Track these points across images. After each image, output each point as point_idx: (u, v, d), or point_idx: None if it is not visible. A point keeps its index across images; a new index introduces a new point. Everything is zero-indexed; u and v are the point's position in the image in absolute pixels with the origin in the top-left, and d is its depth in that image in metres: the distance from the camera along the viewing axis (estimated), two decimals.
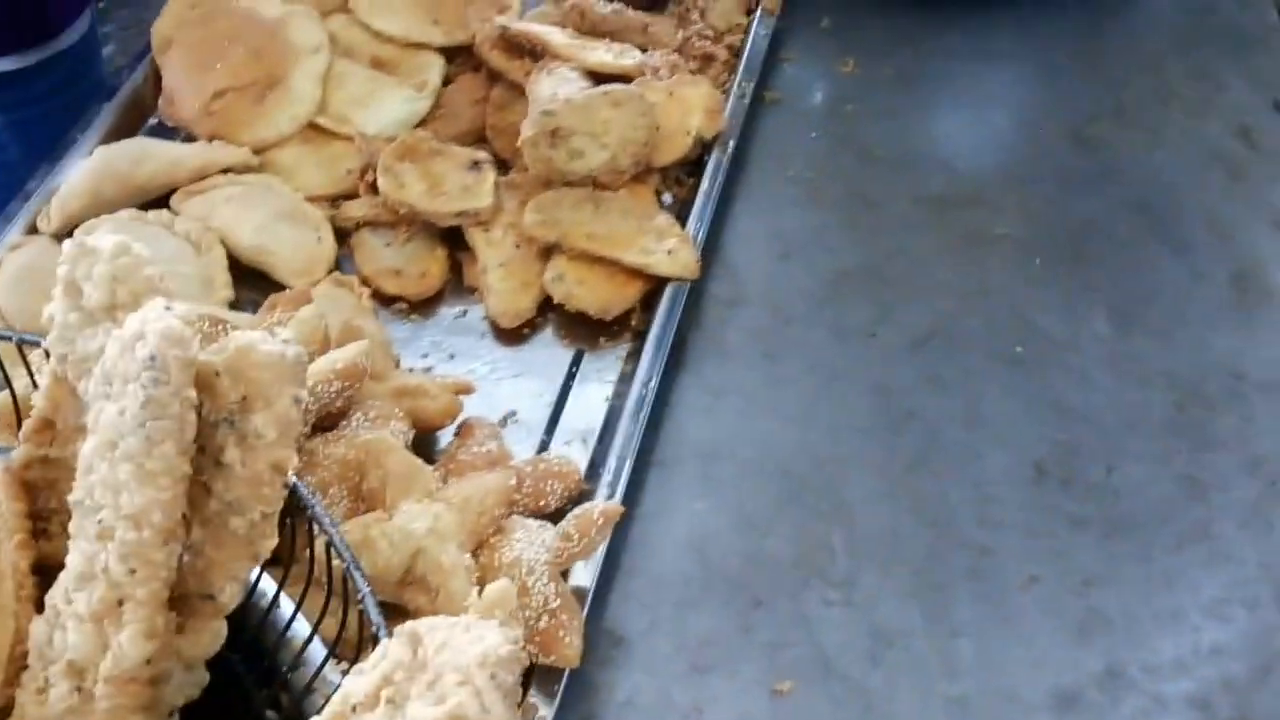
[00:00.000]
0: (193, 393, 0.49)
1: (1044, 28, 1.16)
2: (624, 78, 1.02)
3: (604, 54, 1.03)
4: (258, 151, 1.01)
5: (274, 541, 0.53)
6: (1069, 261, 0.97)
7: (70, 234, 0.96)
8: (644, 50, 1.07)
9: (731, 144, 1.03)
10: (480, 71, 1.09)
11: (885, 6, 1.18)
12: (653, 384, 0.87)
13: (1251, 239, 0.98)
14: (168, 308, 0.49)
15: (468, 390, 0.85)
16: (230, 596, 0.53)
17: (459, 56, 1.11)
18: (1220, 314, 0.94)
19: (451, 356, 0.93)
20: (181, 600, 0.53)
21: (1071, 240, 0.99)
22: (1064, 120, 1.08)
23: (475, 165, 0.97)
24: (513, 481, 0.76)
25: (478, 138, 1.06)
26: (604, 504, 0.76)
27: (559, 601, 0.71)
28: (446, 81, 1.09)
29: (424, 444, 0.83)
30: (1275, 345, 0.92)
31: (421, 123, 1.05)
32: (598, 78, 1.02)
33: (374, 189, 0.97)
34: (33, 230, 0.97)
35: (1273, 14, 1.17)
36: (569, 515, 0.75)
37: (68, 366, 0.56)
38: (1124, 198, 1.02)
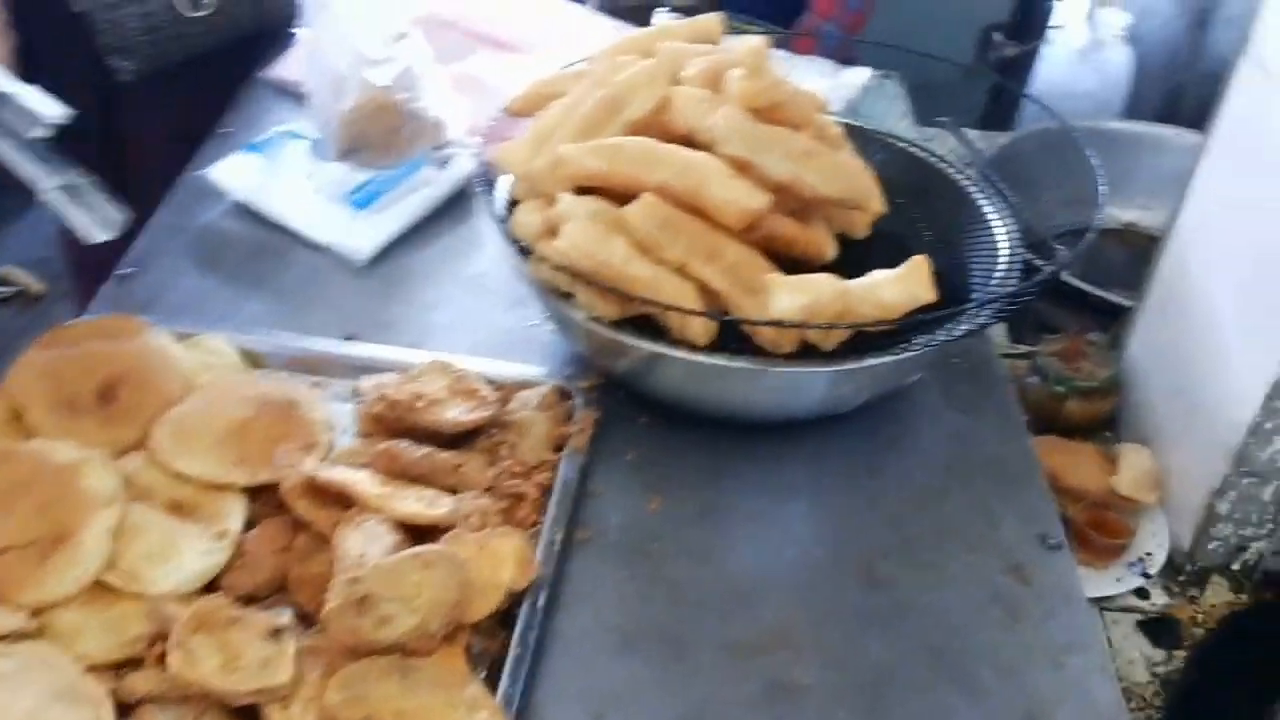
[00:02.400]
0: None
1: (828, 462, 1.23)
2: (434, 528, 1.02)
3: (414, 503, 1.03)
4: (36, 613, 0.94)
5: None
6: (873, 713, 1.00)
7: None
8: (454, 491, 1.08)
9: (543, 595, 1.03)
10: (284, 513, 1.06)
11: (686, 437, 1.23)
12: None
13: (1035, 680, 1.03)
14: None
15: None
16: None
17: (263, 494, 1.09)
18: None
19: None
20: None
21: (872, 688, 1.01)
22: (855, 557, 1.13)
23: (275, 633, 0.93)
24: None
25: (278, 587, 1.02)
26: None
27: None
28: (249, 524, 1.06)
29: None
30: None
31: (220, 573, 1.01)
32: (408, 528, 1.02)
33: (163, 660, 0.91)
34: None
35: (1029, 445, 1.28)
36: None
37: None
38: (917, 639, 1.06)
